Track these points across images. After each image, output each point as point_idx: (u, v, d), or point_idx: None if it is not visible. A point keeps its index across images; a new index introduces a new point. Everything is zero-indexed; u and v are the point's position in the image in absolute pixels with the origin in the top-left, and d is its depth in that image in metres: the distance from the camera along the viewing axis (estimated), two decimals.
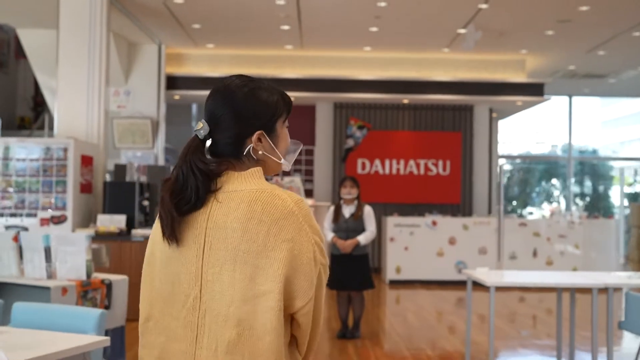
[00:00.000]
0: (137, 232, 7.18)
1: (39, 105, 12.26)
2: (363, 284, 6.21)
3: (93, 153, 7.77)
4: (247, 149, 1.52)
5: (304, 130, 12.60)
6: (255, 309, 1.39)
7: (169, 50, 11.39)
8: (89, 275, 4.24)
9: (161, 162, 10.59)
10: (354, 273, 6.14)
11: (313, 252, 1.44)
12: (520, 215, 14.55)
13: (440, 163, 12.13)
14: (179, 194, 1.46)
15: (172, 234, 1.46)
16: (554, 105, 14.22)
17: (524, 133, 17.32)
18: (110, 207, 7.45)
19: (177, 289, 1.46)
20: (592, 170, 16.75)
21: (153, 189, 8.04)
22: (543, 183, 17.23)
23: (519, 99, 11.68)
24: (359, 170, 12.01)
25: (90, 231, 7.08)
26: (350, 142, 12.13)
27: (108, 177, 8.07)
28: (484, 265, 10.22)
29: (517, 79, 11.66)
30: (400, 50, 11.37)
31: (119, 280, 4.43)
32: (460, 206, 12.20)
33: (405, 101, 12.00)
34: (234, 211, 1.43)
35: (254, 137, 1.52)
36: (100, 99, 8.06)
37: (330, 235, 6.24)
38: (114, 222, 7.22)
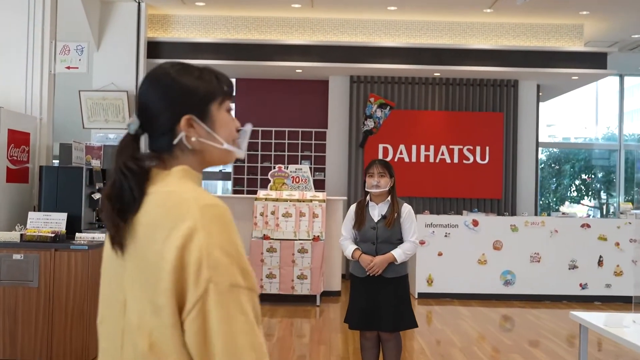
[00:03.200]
0: (82, 237, 5.20)
1: None
2: (400, 321, 4.12)
3: (30, 129, 5.80)
4: (177, 139, 1.39)
5: (314, 109, 10.61)
6: (161, 323, 1.26)
7: (151, 11, 9.46)
8: None
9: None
10: (386, 305, 4.07)
11: (215, 262, 1.24)
12: (559, 212, 12.37)
13: (478, 150, 10.12)
14: (118, 199, 1.34)
15: (119, 242, 1.34)
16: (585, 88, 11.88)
17: (559, 118, 15.13)
18: (48, 202, 5.46)
19: (112, 293, 1.39)
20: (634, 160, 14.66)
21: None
22: (583, 175, 15.15)
23: (576, 72, 9.59)
24: (380, 158, 9.96)
25: (15, 235, 5.11)
26: (369, 124, 10.12)
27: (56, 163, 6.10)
28: (534, 272, 8.20)
29: (573, 48, 9.58)
30: (432, 12, 9.36)
31: None
32: (501, 202, 10.14)
33: (437, 74, 9.97)
34: (143, 217, 1.32)
35: (182, 123, 1.38)
36: (43, 59, 6.12)
37: (350, 249, 4.16)
38: (50, 222, 5.24)
